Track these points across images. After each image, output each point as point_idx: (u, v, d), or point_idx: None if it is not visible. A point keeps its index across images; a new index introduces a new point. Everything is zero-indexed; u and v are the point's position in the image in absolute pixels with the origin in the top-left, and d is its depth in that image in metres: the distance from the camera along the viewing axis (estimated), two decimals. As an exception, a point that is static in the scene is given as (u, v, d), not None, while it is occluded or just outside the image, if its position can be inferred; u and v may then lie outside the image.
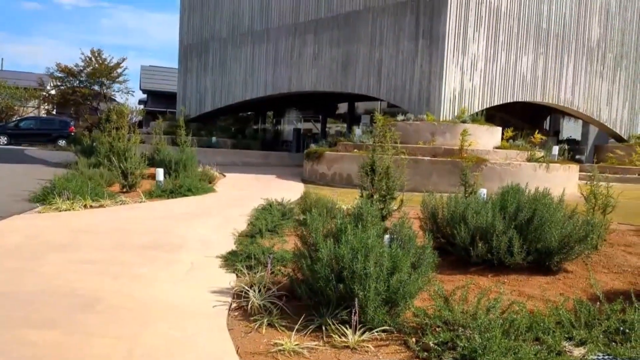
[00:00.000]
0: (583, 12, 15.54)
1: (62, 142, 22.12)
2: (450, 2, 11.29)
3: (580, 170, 11.84)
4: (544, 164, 9.73)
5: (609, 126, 17.35)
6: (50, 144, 22.14)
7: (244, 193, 8.77)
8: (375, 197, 4.79)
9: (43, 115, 31.37)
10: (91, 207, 6.74)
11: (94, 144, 11.92)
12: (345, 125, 20.68)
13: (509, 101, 13.33)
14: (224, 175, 11.38)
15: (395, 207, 4.84)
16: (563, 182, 9.77)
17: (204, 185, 8.80)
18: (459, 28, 11.63)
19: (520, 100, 13.75)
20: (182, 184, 8.07)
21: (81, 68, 28.56)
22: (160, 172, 8.29)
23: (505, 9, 12.75)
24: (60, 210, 6.37)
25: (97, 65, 28.24)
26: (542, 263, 3.99)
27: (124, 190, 8.00)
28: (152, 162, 9.33)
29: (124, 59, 29.34)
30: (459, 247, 4.11)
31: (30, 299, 3.20)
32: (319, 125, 22.53)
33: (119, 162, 7.98)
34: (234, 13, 17.64)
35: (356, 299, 2.78)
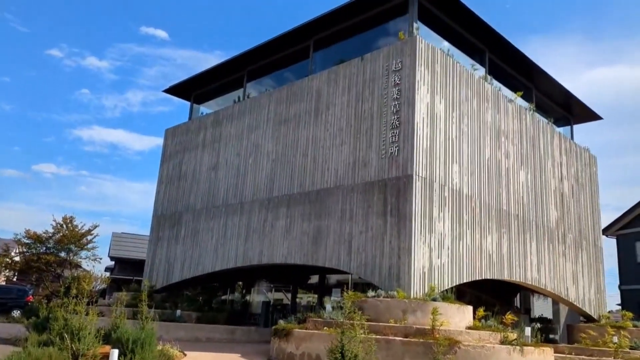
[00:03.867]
0: (540, 196, 16.62)
1: (17, 313, 20.88)
2: (415, 184, 11.98)
3: (556, 352, 11.51)
4: (518, 347, 9.47)
5: (578, 305, 17.41)
6: (4, 315, 20.84)
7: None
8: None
9: (1, 283, 30.11)
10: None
11: (50, 315, 11.24)
12: (316, 296, 20.27)
13: (477, 279, 13.45)
14: (184, 354, 10.67)
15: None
16: (539, 366, 9.40)
17: (161, 366, 8.14)
18: (425, 207, 12.18)
19: (488, 277, 13.89)
20: (137, 366, 7.45)
21: (50, 235, 28.28)
22: (114, 354, 7.71)
23: (467, 192, 13.56)
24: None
25: (66, 232, 28.04)
26: None
27: (73, 372, 7.30)
28: (108, 340, 8.73)
29: (95, 226, 29.30)
30: None
31: None
32: (290, 295, 22.02)
33: (72, 342, 7.43)
34: (210, 188, 18.31)
35: None
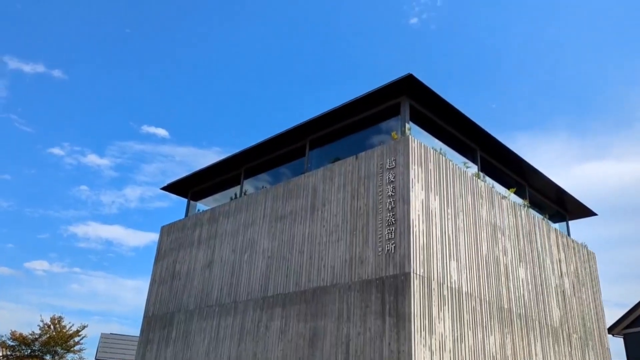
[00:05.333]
0: (541, 294, 16.26)
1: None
2: (413, 282, 11.74)
3: None
4: None
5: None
6: None
7: None
8: None
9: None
10: None
11: None
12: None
13: (482, 383, 12.75)
14: None
15: None
16: None
17: None
18: (424, 307, 11.83)
19: (494, 382, 13.19)
20: None
21: (37, 336, 27.21)
22: None
23: (467, 290, 13.26)
24: None
25: (54, 333, 27.01)
26: None
27: None
28: None
29: (84, 326, 28.38)
30: None
31: None
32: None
33: None
34: (204, 287, 17.90)
35: None
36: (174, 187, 21.81)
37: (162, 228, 21.53)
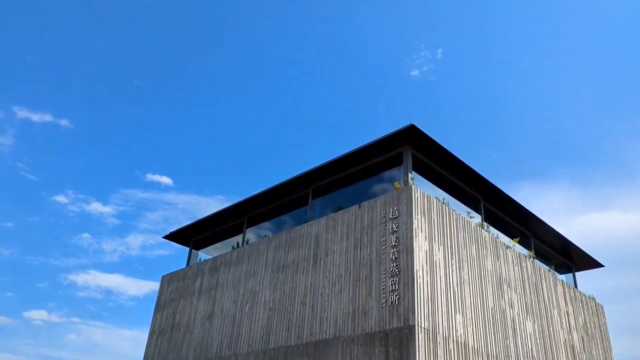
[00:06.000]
0: (550, 349, 15.79)
1: None
2: (417, 335, 11.43)
3: None
4: None
5: None
6: None
7: None
8: None
9: None
10: None
11: None
12: None
13: None
14: None
15: None
16: None
17: None
18: (430, 362, 11.46)
19: None
20: None
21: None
22: None
23: (473, 344, 12.89)
24: None
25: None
26: None
27: None
28: None
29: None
30: None
31: None
32: None
33: None
34: (203, 338, 17.48)
35: None
36: (176, 236, 21.68)
37: (163, 277, 21.26)
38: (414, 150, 14.70)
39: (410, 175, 14.06)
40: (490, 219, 16.80)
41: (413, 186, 13.36)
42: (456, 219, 14.32)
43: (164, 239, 22.07)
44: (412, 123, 13.62)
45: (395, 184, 13.98)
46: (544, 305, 16.58)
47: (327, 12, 53.95)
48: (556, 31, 53.28)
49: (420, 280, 12.17)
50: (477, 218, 15.90)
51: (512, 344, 14.29)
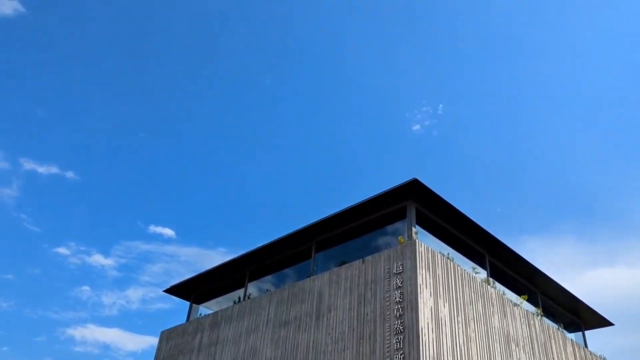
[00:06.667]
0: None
1: None
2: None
3: None
4: None
5: None
6: None
7: None
8: None
9: None
10: None
11: None
12: None
13: None
14: None
15: None
16: None
17: None
18: None
19: None
20: None
21: None
22: None
23: (482, 406, 12.37)
24: None
25: None
26: None
27: None
28: None
29: None
30: None
31: None
32: None
33: None
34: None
35: None
36: (177, 290, 21.35)
37: (162, 333, 20.77)
38: (417, 204, 14.66)
39: (414, 229, 13.95)
40: (496, 275, 16.52)
41: (417, 241, 13.23)
42: (461, 275, 14.09)
43: (164, 293, 21.73)
44: (415, 177, 13.65)
45: (399, 238, 13.86)
46: (554, 366, 16.02)
47: (330, 65, 55.38)
48: (557, 86, 54.35)
49: (425, 338, 11.83)
50: (482, 273, 15.64)
51: (522, 407, 13.70)
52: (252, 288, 18.89)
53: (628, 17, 50.01)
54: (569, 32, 53.21)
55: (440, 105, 52.51)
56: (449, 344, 12.44)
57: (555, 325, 17.59)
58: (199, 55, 56.00)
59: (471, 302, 13.92)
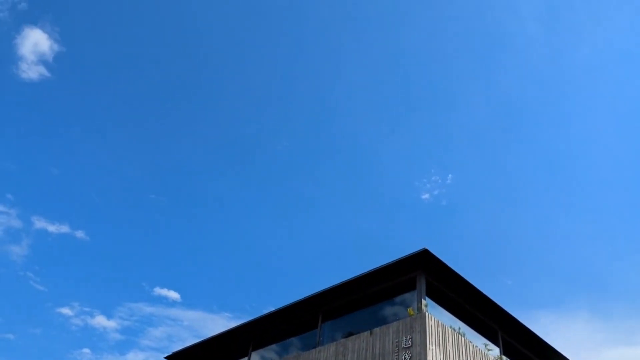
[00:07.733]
0: None
1: None
2: None
3: None
4: None
5: None
6: None
7: None
8: None
9: None
10: None
11: None
12: None
13: None
14: None
15: None
16: None
17: None
18: None
19: None
20: None
21: None
22: None
23: None
24: None
25: None
26: None
27: None
28: None
29: None
30: None
31: None
32: None
33: None
34: None
35: None
36: (178, 357, 20.68)
37: (160, 402, 19.94)
38: (427, 276, 14.34)
39: (424, 301, 13.57)
40: (509, 352, 15.86)
41: (427, 314, 12.82)
42: (473, 351, 13.53)
43: (165, 359, 21.05)
44: (425, 247, 13.44)
45: (409, 310, 13.46)
46: None
47: (340, 136, 56.32)
48: (568, 162, 54.58)
49: (435, 420, 11.20)
50: (495, 350, 15.02)
51: None
52: (255, 357, 18.26)
53: None
54: (577, 108, 54.07)
55: (450, 175, 52.72)
56: None
57: (573, 409, 16.65)
58: (209, 124, 57.39)
59: (483, 381, 13.28)
